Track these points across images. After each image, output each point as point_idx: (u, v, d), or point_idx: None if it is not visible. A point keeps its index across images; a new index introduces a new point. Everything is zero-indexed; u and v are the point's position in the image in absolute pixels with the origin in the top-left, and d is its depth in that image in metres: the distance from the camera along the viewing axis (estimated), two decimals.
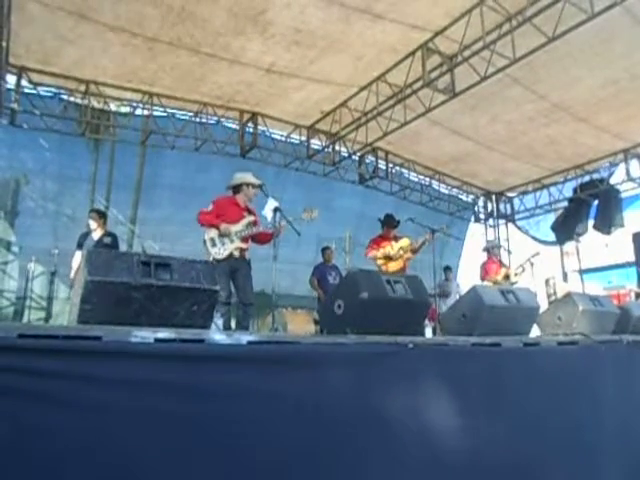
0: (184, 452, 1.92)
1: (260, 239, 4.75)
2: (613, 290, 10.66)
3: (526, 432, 2.90)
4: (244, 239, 4.60)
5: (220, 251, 4.50)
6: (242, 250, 4.60)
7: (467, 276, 10.43)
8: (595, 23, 5.52)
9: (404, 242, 6.03)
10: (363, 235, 10.34)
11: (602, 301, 4.53)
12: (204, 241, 4.55)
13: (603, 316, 4.37)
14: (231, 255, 4.53)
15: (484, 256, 7.98)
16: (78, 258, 5.49)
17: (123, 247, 7.91)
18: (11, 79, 6.78)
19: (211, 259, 4.42)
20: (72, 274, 5.35)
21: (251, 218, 4.72)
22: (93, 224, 5.79)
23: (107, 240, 5.75)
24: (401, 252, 5.97)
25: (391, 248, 6.01)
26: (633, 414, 3.51)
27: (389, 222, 6.21)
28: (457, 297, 7.59)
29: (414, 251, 5.98)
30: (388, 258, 6.00)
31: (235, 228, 4.58)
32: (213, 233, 4.55)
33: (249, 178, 4.85)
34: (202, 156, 8.33)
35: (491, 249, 7.86)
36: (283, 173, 9.07)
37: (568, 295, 4.47)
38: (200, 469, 1.93)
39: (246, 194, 4.82)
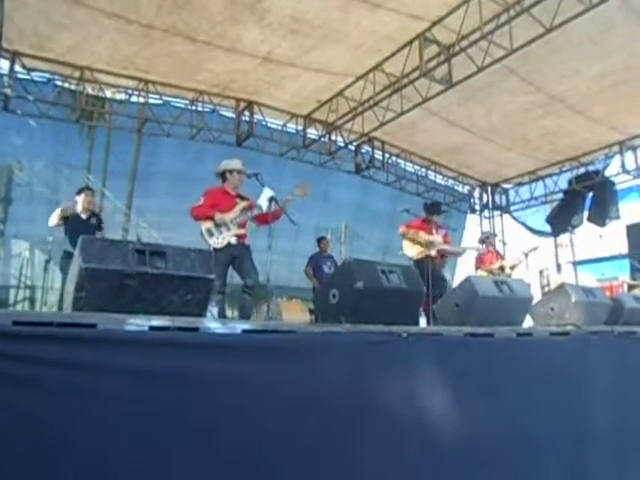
0: (178, 439, 1.93)
1: (263, 220, 4.66)
2: (606, 282, 10.74)
3: (518, 419, 2.94)
4: (240, 225, 4.62)
5: (219, 240, 4.52)
6: (240, 237, 4.61)
7: (464, 267, 10.46)
8: (593, 14, 5.51)
9: (436, 239, 5.90)
10: (361, 226, 10.38)
11: (595, 292, 4.58)
12: (201, 233, 4.56)
13: (595, 307, 4.41)
14: (229, 243, 4.54)
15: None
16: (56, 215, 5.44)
17: (118, 235, 7.90)
18: (4, 64, 6.72)
19: (211, 249, 4.41)
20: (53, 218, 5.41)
21: (244, 203, 4.71)
22: (84, 202, 5.61)
23: (94, 221, 5.62)
24: (425, 242, 5.83)
25: (423, 234, 5.86)
26: (623, 403, 3.55)
27: (433, 208, 6.16)
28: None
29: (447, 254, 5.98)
30: (416, 242, 5.85)
31: (229, 216, 4.59)
32: (209, 224, 4.56)
33: (232, 164, 4.82)
34: (199, 145, 8.29)
35: (486, 239, 7.87)
36: (280, 163, 9.05)
37: (561, 286, 4.50)
38: (194, 457, 1.94)
39: (231, 181, 4.79)
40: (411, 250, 5.88)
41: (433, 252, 5.80)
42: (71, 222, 5.44)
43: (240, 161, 4.89)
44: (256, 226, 4.79)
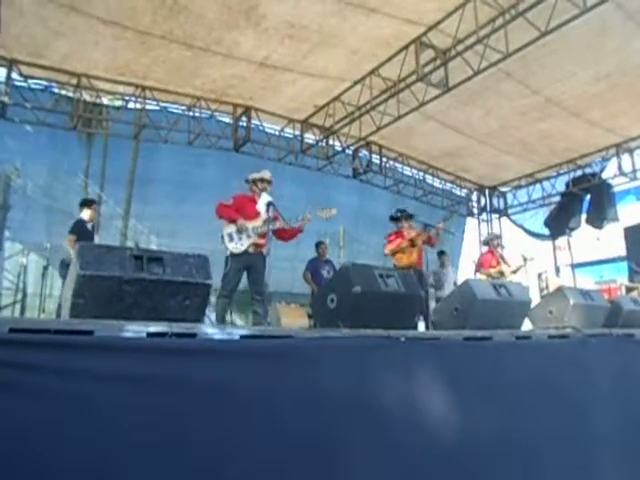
0: (176, 447, 1.92)
1: (283, 236, 4.83)
2: (604, 284, 10.74)
3: (518, 423, 2.93)
4: (261, 235, 4.65)
5: (237, 246, 4.60)
6: (258, 246, 4.66)
7: (464, 271, 10.48)
8: (587, 18, 5.54)
9: (413, 233, 6.08)
10: (361, 230, 10.36)
11: (593, 295, 4.57)
12: (222, 236, 4.65)
13: (594, 310, 4.41)
14: (247, 251, 4.61)
15: (484, 249, 8.01)
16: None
17: (116, 241, 7.89)
18: (1, 72, 6.74)
19: (228, 253, 4.57)
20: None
21: (269, 215, 4.76)
22: (92, 215, 5.81)
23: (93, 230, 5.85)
24: (411, 242, 5.99)
25: (401, 241, 6.04)
26: (623, 405, 3.55)
27: (398, 216, 6.31)
28: (453, 285, 7.54)
29: (426, 241, 6.01)
30: (401, 250, 6.01)
31: (253, 224, 4.64)
32: (231, 228, 4.64)
33: (253, 174, 4.92)
34: (197, 150, 8.31)
35: (490, 241, 7.87)
36: (279, 169, 9.06)
37: (559, 289, 4.50)
38: (193, 464, 1.93)
39: (254, 191, 4.89)
40: (402, 260, 5.96)
41: (420, 243, 5.94)
42: (80, 235, 5.55)
43: (266, 171, 4.96)
44: (275, 239, 4.83)
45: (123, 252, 2.44)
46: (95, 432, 1.77)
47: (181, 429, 1.95)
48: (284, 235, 4.85)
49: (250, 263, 4.63)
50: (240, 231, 4.61)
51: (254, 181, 4.88)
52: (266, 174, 4.90)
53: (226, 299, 4.61)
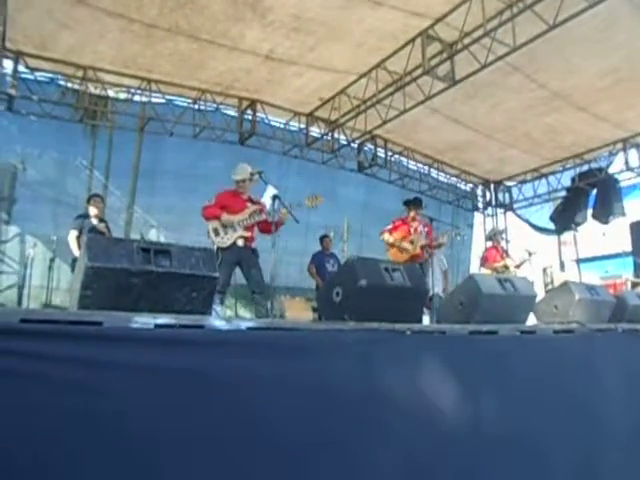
0: (185, 437, 1.94)
1: (265, 228, 4.80)
2: (610, 279, 10.71)
3: (523, 417, 2.94)
4: (247, 228, 4.67)
5: (224, 240, 4.62)
6: (246, 239, 4.67)
7: (474, 265, 10.46)
8: (596, 11, 5.50)
9: (422, 227, 6.15)
10: (369, 224, 10.33)
11: (598, 290, 4.55)
12: (208, 232, 4.67)
13: (599, 305, 4.39)
14: (235, 244, 4.62)
15: (488, 244, 8.01)
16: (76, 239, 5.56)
17: (121, 234, 7.92)
18: (8, 64, 6.73)
19: (215, 248, 4.55)
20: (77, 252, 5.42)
21: (255, 207, 4.78)
22: (95, 210, 5.81)
23: (102, 226, 5.81)
24: (411, 242, 6.05)
25: (404, 232, 6.14)
26: (629, 400, 3.55)
27: (411, 203, 6.38)
28: (442, 269, 7.48)
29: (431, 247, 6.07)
30: (398, 248, 6.08)
31: (237, 218, 4.66)
32: (216, 223, 4.66)
33: (238, 174, 4.89)
34: (204, 143, 8.32)
35: (493, 236, 7.88)
36: (285, 162, 9.06)
37: (565, 284, 4.49)
38: (201, 455, 1.95)
39: (239, 187, 4.90)
40: (398, 258, 6.01)
41: (418, 250, 6.00)
42: (84, 226, 5.60)
43: (245, 167, 4.93)
44: (259, 231, 4.84)
45: (131, 244, 2.45)
46: (103, 421, 1.79)
47: (188, 419, 1.96)
48: (267, 228, 4.75)
49: (241, 257, 4.65)
50: (225, 225, 4.64)
51: (237, 182, 4.89)
52: (246, 173, 4.86)
53: (218, 294, 4.53)
